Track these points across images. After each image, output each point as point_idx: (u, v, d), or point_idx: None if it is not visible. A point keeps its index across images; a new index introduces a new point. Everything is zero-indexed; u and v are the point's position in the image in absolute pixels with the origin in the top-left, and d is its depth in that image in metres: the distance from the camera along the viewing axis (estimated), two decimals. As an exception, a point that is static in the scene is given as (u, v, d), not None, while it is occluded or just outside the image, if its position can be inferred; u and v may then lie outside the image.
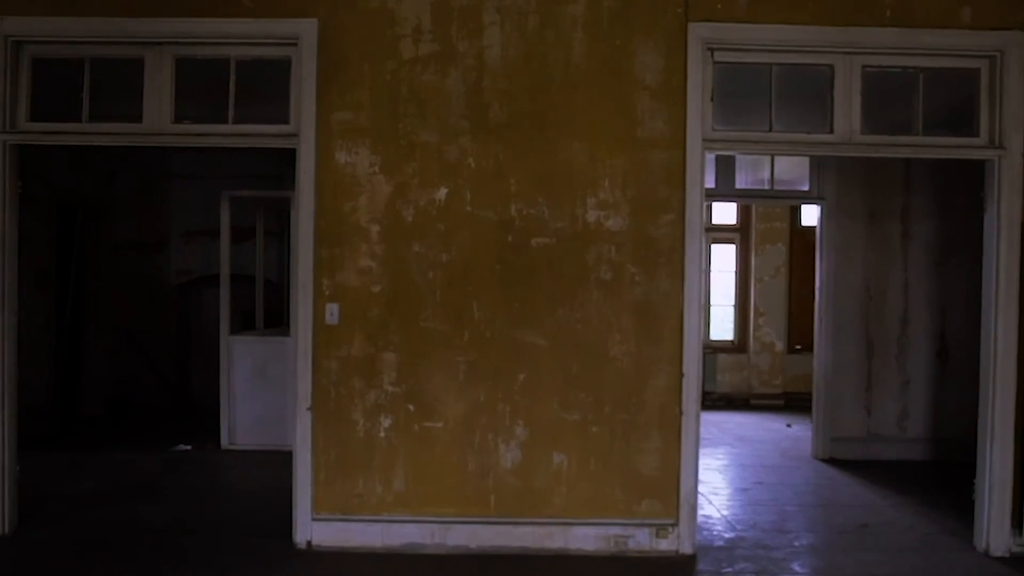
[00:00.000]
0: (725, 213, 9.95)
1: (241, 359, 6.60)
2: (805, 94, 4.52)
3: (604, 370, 4.27)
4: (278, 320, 7.34)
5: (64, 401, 7.54)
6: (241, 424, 6.59)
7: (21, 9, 4.35)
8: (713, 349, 9.70)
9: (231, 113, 4.42)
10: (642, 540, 4.25)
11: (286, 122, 4.35)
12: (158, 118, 4.41)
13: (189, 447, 6.64)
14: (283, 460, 6.02)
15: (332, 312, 4.26)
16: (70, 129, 4.50)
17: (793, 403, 9.43)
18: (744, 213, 10.05)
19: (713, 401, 9.45)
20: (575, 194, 4.26)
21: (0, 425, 4.40)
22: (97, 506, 5.09)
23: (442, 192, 4.26)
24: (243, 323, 7.03)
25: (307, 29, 4.25)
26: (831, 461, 6.54)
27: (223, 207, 6.60)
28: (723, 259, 10.17)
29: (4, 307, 4.40)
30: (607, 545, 4.26)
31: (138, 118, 4.43)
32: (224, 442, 6.60)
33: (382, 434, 4.28)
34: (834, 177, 6.58)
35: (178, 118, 4.43)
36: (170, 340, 8.59)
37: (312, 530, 4.30)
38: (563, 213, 4.26)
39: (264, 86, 4.41)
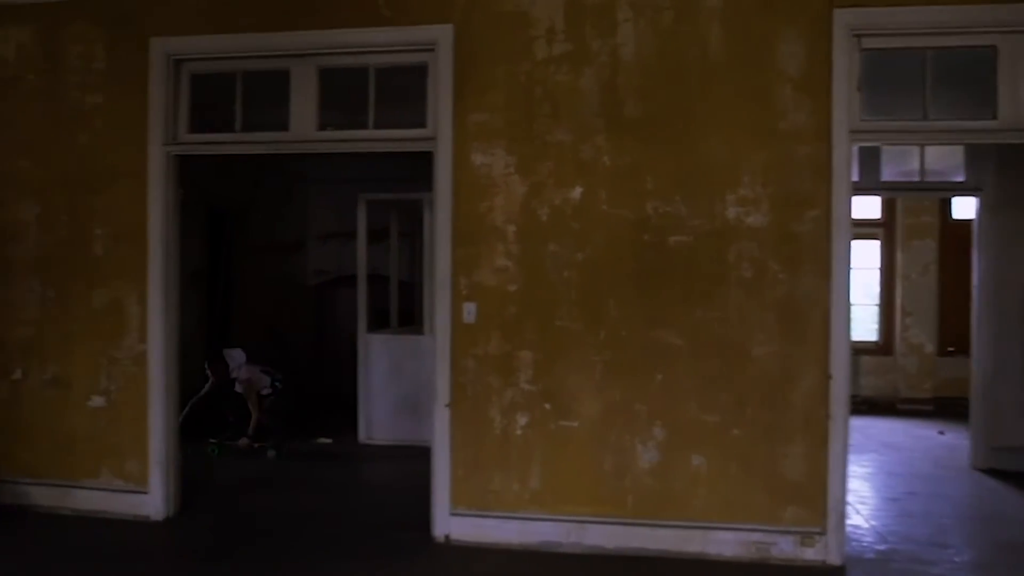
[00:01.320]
0: (867, 207, 9.48)
1: (378, 356, 6.82)
2: (962, 78, 4.23)
3: (745, 371, 4.14)
4: (410, 319, 7.54)
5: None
6: (377, 419, 6.81)
7: (181, 30, 4.67)
8: (855, 350, 9.23)
9: (371, 119, 4.57)
10: (786, 548, 4.09)
11: (423, 125, 4.46)
12: (304, 126, 4.61)
13: (330, 440, 6.91)
14: (418, 455, 6.18)
15: (469, 311, 4.33)
16: (224, 139, 4.78)
17: (945, 409, 8.85)
18: (888, 207, 9.54)
19: (855, 405, 8.92)
20: (713, 191, 4.15)
21: (164, 415, 4.75)
22: (248, 493, 5.39)
23: (577, 191, 4.25)
24: (376, 321, 7.26)
25: (443, 34, 4.34)
26: (991, 472, 6.10)
27: (360, 209, 6.84)
28: (865, 255, 9.71)
29: (169, 305, 4.74)
30: (748, 551, 4.13)
31: (285, 126, 4.66)
32: (361, 436, 6.84)
33: (518, 432, 4.31)
34: (993, 166, 6.12)
35: (322, 125, 4.63)
36: (307, 337, 8.99)
37: (450, 524, 4.38)
38: (701, 210, 4.16)
39: (401, 91, 4.54)
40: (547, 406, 4.29)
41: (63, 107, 4.84)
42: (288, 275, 9.06)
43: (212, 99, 4.81)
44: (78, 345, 4.84)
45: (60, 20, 4.83)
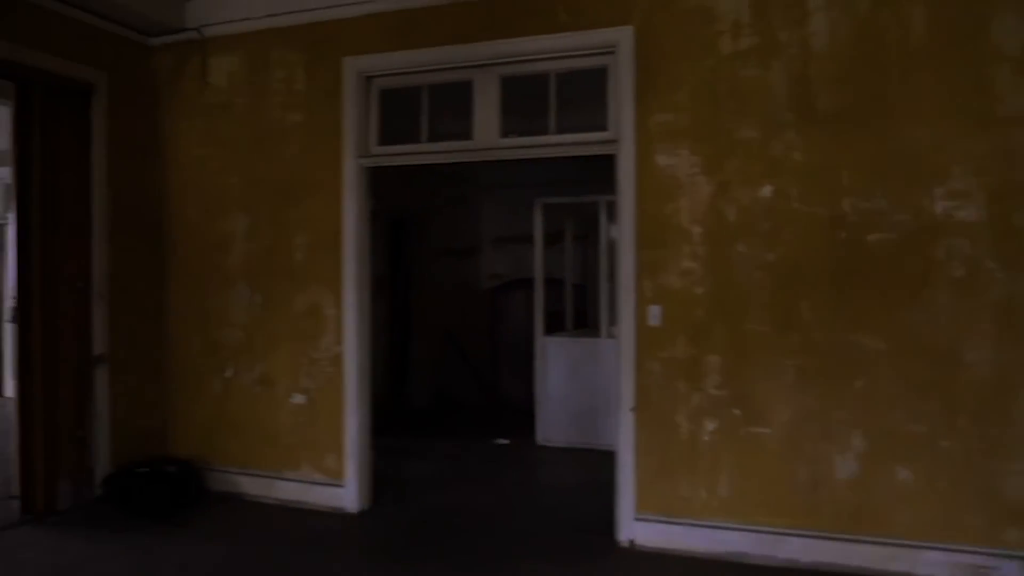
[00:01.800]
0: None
1: (555, 359, 6.88)
2: None
3: (956, 378, 3.83)
4: (584, 322, 7.55)
5: (397, 394, 8.38)
6: (555, 422, 6.86)
7: (371, 49, 4.92)
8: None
9: (552, 124, 4.62)
10: (1009, 573, 3.75)
11: (605, 128, 4.45)
12: (487, 134, 4.73)
13: (507, 441, 7.04)
14: (596, 459, 6.22)
15: (654, 314, 4.28)
16: (412, 150, 4.98)
17: None
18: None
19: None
20: (918, 184, 3.87)
21: (359, 413, 5.01)
22: (435, 490, 5.58)
23: (766, 189, 4.10)
24: (551, 324, 7.33)
25: (624, 36, 4.32)
26: None
27: (536, 214, 6.93)
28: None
29: (362, 309, 5.01)
30: (962, 574, 3.81)
31: (469, 135, 4.79)
32: (539, 438, 6.92)
33: (706, 438, 4.21)
34: None
35: (505, 132, 4.73)
36: (482, 340, 9.21)
37: (635, 529, 4.34)
38: (904, 205, 3.89)
39: (582, 96, 4.56)
40: (736, 412, 4.16)
41: (267, 126, 5.23)
42: (463, 280, 9.33)
43: (399, 112, 5.03)
44: (281, 346, 5.21)
45: (264, 48, 5.23)
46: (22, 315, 4.86)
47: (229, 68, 5.35)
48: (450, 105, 4.86)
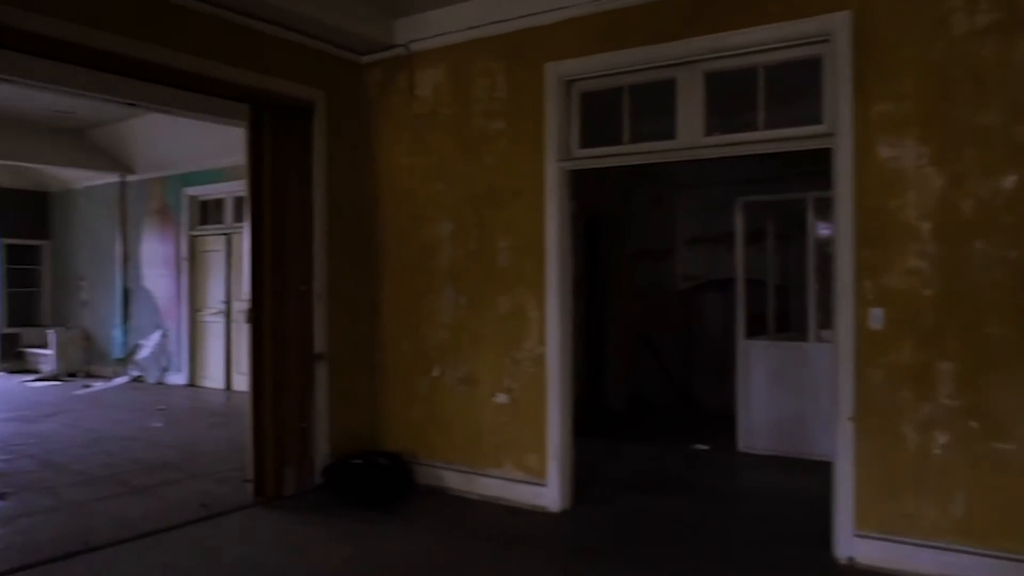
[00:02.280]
0: None
1: (757, 363, 6.62)
2: None
3: None
4: (785, 325, 7.21)
5: (592, 396, 8.40)
6: (758, 428, 6.61)
7: (572, 52, 4.95)
8: None
9: (761, 119, 4.44)
10: None
11: (819, 122, 4.22)
12: (691, 133, 4.63)
13: (706, 447, 6.86)
14: (803, 468, 5.92)
15: (876, 317, 4.00)
16: (613, 152, 4.97)
17: None
18: None
19: None
20: None
21: (561, 414, 5.06)
22: (635, 493, 5.54)
23: (1009, 180, 3.71)
24: (750, 327, 7.06)
25: (840, 23, 4.07)
26: None
27: (737, 213, 6.71)
28: None
29: (564, 311, 5.06)
30: None
31: (671, 135, 4.71)
32: (740, 445, 6.68)
33: (937, 451, 3.88)
34: None
35: (709, 131, 4.60)
36: (676, 343, 9.04)
37: (854, 546, 4.08)
38: None
39: (791, 89, 4.36)
40: (973, 424, 3.80)
41: (470, 134, 5.41)
42: (658, 281, 9.20)
43: (600, 114, 5.04)
44: (485, 347, 5.37)
45: (467, 59, 5.41)
46: (255, 317, 5.33)
47: (434, 80, 5.58)
48: (651, 105, 4.81)
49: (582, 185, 5.33)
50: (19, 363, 12.84)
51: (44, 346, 12.43)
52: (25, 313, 13.22)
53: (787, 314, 7.39)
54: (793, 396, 6.36)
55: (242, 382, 10.11)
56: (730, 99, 4.55)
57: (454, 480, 5.51)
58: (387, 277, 5.86)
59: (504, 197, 5.25)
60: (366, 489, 5.30)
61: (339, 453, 5.62)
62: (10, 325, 12.98)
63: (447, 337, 5.55)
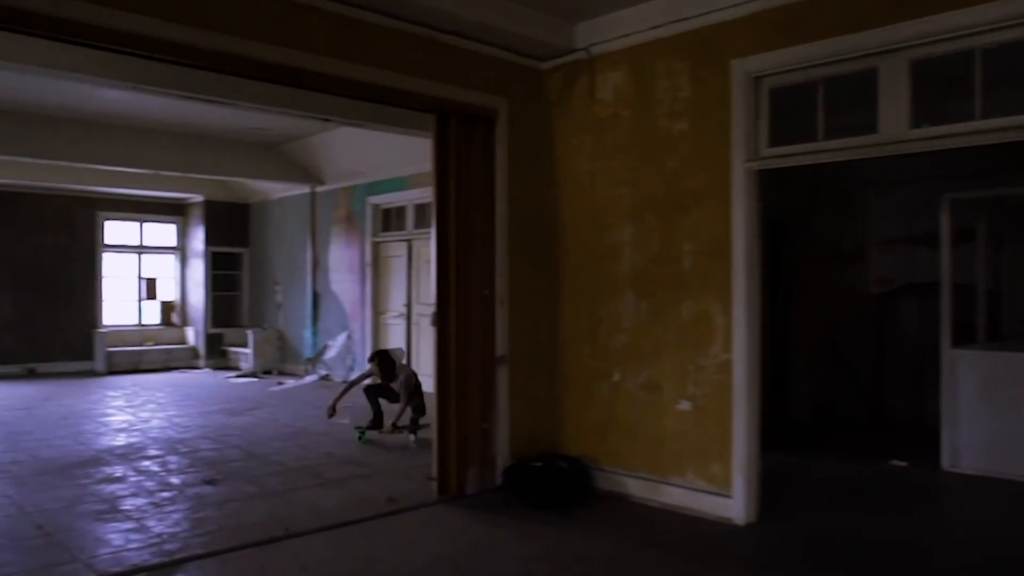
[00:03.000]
0: None
1: (965, 375, 6.07)
2: None
3: None
4: (997, 334, 6.58)
5: (775, 405, 8.04)
6: (966, 446, 6.06)
7: (760, 47, 4.76)
8: None
9: (977, 108, 4.06)
10: None
11: (1051, 108, 3.81)
12: (894, 126, 4.32)
13: (905, 464, 6.38)
14: (1020, 492, 5.37)
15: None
16: (806, 150, 4.72)
17: None
18: None
19: None
20: None
21: (748, 423, 4.86)
22: (827, 509, 5.24)
23: None
24: (957, 336, 6.50)
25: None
26: None
27: (943, 211, 6.18)
28: None
29: (752, 318, 4.86)
30: None
31: (872, 128, 4.41)
32: (944, 463, 6.16)
33: None
34: None
35: (914, 123, 4.27)
36: (867, 350, 8.48)
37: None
38: None
39: (1014, 73, 3.95)
40: None
41: (653, 137, 5.32)
42: (846, 285, 8.66)
43: (790, 110, 4.81)
44: (667, 352, 5.25)
45: (649, 59, 5.33)
46: (440, 320, 5.49)
47: (615, 82, 5.54)
48: (847, 98, 4.53)
49: (764, 185, 5.10)
50: (222, 360, 14.02)
51: (243, 345, 13.50)
52: (227, 315, 14.42)
53: (998, 321, 6.74)
54: (1008, 411, 5.77)
55: (424, 382, 10.52)
56: (939, 87, 4.19)
57: (634, 487, 5.44)
58: (567, 281, 5.88)
59: (688, 200, 5.13)
60: (546, 492, 5.32)
61: (519, 455, 5.69)
62: (215, 326, 14.19)
63: (628, 342, 5.48)
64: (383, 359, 7.72)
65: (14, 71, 6.03)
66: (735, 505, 4.90)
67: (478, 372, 5.59)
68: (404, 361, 8.41)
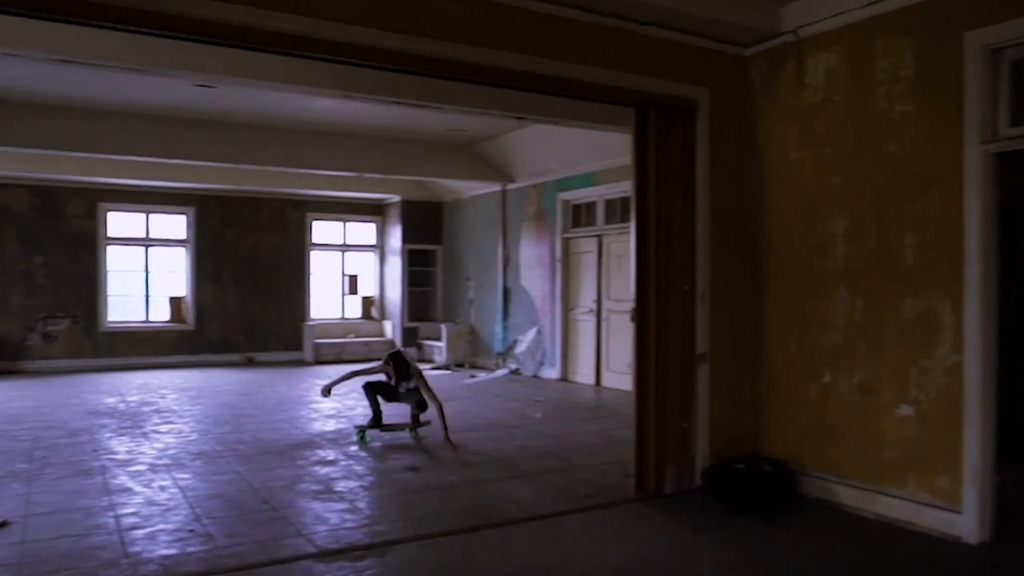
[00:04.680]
0: None
1: None
2: None
3: None
4: None
5: (1009, 411, 7.26)
6: None
7: (999, 16, 4.30)
8: None
9: None
10: None
11: None
12: None
13: None
14: None
15: None
16: (1057, 129, 4.23)
17: None
18: None
19: None
20: None
21: (982, 432, 4.43)
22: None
23: None
24: None
25: None
26: None
27: None
28: None
29: (987, 315, 4.42)
30: None
31: None
32: None
33: None
34: None
35: None
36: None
37: None
38: None
39: None
40: None
41: (870, 121, 4.96)
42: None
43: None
44: (885, 353, 4.89)
45: (866, 38, 4.98)
46: (640, 316, 5.42)
47: (826, 65, 5.22)
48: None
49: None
50: (418, 353, 14.67)
51: (437, 339, 14.06)
52: (422, 309, 15.09)
53: None
54: None
55: (612, 379, 10.51)
56: None
57: (846, 495, 5.10)
58: (772, 277, 5.62)
59: (911, 188, 4.73)
60: (748, 496, 5.12)
61: (719, 456, 5.52)
62: (410, 320, 14.89)
63: (839, 341, 5.15)
64: (399, 360, 7.44)
65: (249, 86, 6.59)
66: (965, 522, 4.48)
67: (677, 369, 5.47)
68: (417, 363, 7.92)
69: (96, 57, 4.45)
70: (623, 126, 5.65)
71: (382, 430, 7.36)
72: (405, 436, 7.40)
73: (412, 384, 7.35)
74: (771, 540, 4.57)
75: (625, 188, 10.22)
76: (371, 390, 7.44)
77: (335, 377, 7.49)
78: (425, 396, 7.26)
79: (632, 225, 5.46)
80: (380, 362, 7.56)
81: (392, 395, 7.47)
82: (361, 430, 7.31)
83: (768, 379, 5.64)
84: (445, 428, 7.12)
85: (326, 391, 7.43)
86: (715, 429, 5.59)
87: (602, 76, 5.13)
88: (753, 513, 4.99)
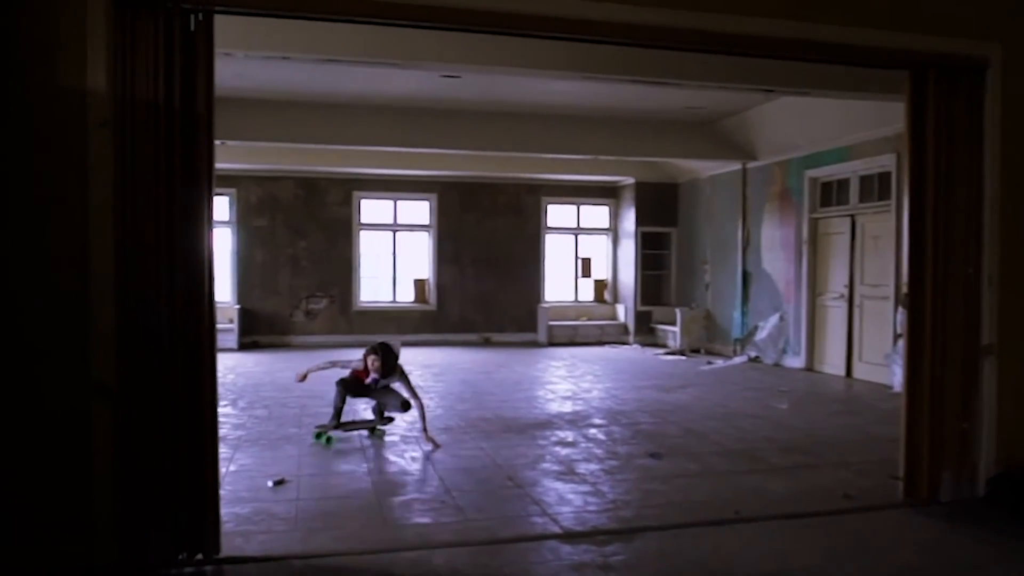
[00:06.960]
0: None
1: None
2: None
3: None
4: None
5: None
6: None
7: None
8: None
9: None
10: None
11: None
12: None
13: None
14: None
15: None
16: None
17: None
18: None
19: None
20: None
21: None
22: None
23: None
24: None
25: None
26: None
27: None
28: None
29: None
30: None
31: None
32: None
33: None
34: None
35: None
36: None
37: None
38: None
39: None
40: None
41: None
42: None
43: None
44: None
45: None
46: (913, 302, 4.87)
47: None
48: None
49: None
50: (650, 337, 14.46)
51: (671, 323, 13.75)
52: (656, 293, 14.83)
53: None
54: None
55: (864, 370, 9.71)
56: None
57: None
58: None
59: None
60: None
61: (1008, 463, 4.84)
62: (643, 303, 14.69)
63: None
64: (387, 353, 6.51)
65: (491, 73, 6.74)
66: None
67: (957, 363, 4.85)
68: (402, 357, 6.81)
69: (355, 54, 4.74)
70: (888, 93, 5.13)
71: (344, 430, 6.62)
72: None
73: (393, 381, 6.57)
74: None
75: (884, 163, 9.35)
76: (346, 387, 6.57)
77: (312, 365, 6.78)
78: (407, 395, 6.44)
79: (905, 203, 4.90)
80: (363, 351, 6.71)
81: (365, 392, 6.69)
82: (322, 430, 6.52)
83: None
84: (425, 427, 6.39)
85: (302, 377, 6.67)
86: (1003, 432, 4.90)
87: (868, 37, 4.64)
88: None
